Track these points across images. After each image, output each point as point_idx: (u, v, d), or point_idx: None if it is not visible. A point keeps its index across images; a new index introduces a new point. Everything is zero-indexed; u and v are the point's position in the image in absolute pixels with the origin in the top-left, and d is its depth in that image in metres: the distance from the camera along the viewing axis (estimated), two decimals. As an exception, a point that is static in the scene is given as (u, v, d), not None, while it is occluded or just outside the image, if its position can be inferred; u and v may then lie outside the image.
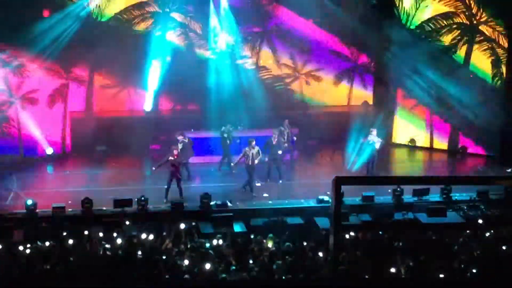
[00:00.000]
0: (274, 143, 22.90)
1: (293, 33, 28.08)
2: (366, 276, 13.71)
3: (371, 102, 28.81)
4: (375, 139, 22.85)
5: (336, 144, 25.70)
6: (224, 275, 13.90)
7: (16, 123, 25.16)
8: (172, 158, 20.96)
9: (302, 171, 24.22)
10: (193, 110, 27.36)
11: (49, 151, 25.19)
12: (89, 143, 25.38)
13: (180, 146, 22.33)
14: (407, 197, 20.98)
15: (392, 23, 27.02)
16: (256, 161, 21.72)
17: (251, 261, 14.80)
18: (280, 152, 22.97)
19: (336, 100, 29.36)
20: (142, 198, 19.95)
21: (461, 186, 20.95)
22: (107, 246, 15.73)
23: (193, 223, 18.78)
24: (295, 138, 24.76)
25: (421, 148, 27.35)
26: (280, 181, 22.79)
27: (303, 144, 25.53)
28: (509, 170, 23.97)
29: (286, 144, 23.94)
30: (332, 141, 26.10)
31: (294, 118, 25.66)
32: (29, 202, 19.52)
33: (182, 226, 17.64)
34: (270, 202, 21.06)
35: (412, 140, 27.23)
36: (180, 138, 22.87)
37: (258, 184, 21.95)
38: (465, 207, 20.42)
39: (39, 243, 16.42)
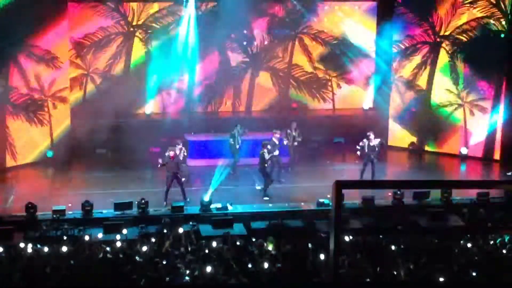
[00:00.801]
0: (277, 143, 22.74)
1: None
2: (367, 280, 13.72)
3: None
4: (373, 142, 22.69)
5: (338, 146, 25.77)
6: (224, 278, 13.90)
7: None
8: (169, 160, 20.90)
9: (302, 174, 24.14)
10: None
11: (49, 153, 25.07)
12: (89, 146, 25.31)
13: (177, 148, 22.08)
14: (408, 201, 20.98)
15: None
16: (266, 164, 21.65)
17: (251, 264, 14.80)
18: (276, 153, 22.70)
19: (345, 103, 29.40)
20: (142, 201, 19.95)
21: (461, 190, 20.98)
22: (107, 249, 15.73)
23: (193, 226, 18.81)
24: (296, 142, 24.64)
25: (422, 151, 27.21)
26: (279, 183, 22.73)
27: (304, 147, 25.42)
28: (509, 174, 23.96)
29: (295, 143, 23.89)
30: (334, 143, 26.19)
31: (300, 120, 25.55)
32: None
33: (182, 229, 17.63)
34: (270, 205, 21.05)
35: (413, 144, 27.14)
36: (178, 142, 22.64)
37: (258, 187, 21.92)
38: (465, 211, 20.41)
39: (39, 246, 16.42)
